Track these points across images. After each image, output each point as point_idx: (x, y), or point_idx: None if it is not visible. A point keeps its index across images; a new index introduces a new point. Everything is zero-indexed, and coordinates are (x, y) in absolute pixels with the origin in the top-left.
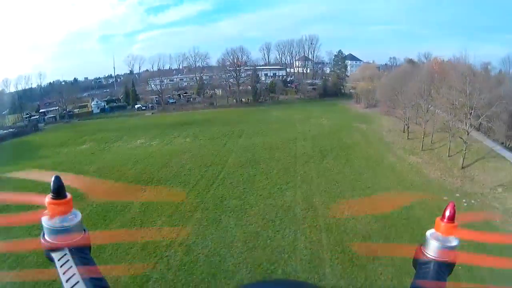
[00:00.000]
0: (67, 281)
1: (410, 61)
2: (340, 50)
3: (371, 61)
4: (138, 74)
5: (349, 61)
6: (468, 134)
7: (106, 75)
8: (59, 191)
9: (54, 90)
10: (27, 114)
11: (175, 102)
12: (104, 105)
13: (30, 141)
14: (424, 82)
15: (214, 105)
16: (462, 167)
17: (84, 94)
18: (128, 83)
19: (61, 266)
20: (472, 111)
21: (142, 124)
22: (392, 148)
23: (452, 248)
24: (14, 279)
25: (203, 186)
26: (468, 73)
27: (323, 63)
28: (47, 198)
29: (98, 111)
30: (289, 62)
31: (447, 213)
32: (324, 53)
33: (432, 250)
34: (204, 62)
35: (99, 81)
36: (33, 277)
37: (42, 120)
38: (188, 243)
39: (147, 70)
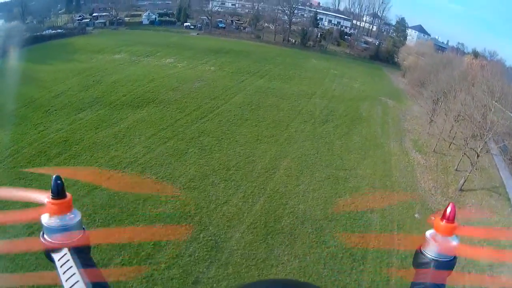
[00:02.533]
0: (66, 280)
1: (475, 53)
2: (403, 17)
3: (439, 39)
4: None
5: (416, 32)
6: (478, 157)
7: None
8: (59, 190)
9: None
10: (79, 16)
11: (224, 27)
12: (155, 18)
13: (72, 43)
14: (453, 77)
15: (260, 39)
16: (460, 190)
17: (144, 3)
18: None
19: (61, 266)
20: (491, 126)
21: (181, 43)
22: (403, 137)
23: (452, 248)
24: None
25: (193, 117)
26: (497, 75)
27: (390, 25)
28: (47, 198)
29: (148, 22)
30: (357, 15)
31: (447, 214)
32: (395, 16)
33: (431, 250)
34: None
35: None
36: (32, 276)
37: (91, 24)
38: (143, 164)
39: None
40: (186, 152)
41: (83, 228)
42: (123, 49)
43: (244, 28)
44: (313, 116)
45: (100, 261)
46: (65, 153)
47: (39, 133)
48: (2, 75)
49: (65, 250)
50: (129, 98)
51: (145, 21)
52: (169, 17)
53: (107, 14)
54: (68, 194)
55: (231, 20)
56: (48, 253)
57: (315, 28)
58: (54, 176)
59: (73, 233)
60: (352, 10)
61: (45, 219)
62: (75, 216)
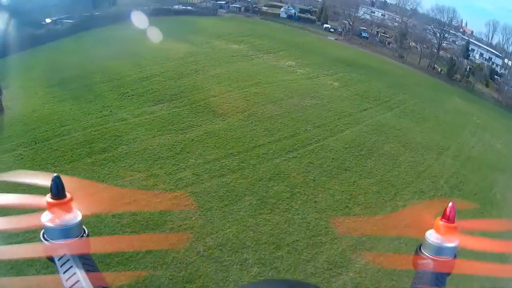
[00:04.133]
0: (67, 280)
1: None
2: None
3: None
4: None
5: None
6: None
7: None
8: (58, 190)
9: None
10: None
11: (367, 37)
12: (294, 13)
13: (196, 23)
14: None
15: (403, 59)
16: None
17: None
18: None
19: (61, 266)
20: None
21: (312, 46)
22: None
23: (452, 248)
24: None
25: (279, 148)
26: None
27: None
28: (47, 198)
29: (285, 16)
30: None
31: (447, 214)
32: None
33: (431, 250)
34: (412, 7)
35: None
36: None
37: (226, 7)
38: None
39: None
40: (239, 200)
41: (84, 229)
42: (245, 40)
43: (388, 43)
44: (436, 185)
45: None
46: (108, 152)
47: (101, 117)
48: (109, 41)
49: (66, 251)
50: (217, 101)
51: (283, 14)
52: (310, 14)
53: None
54: (68, 194)
55: (376, 31)
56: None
57: (465, 60)
58: (53, 176)
59: (73, 233)
60: (505, 47)
61: (45, 219)
62: (75, 217)
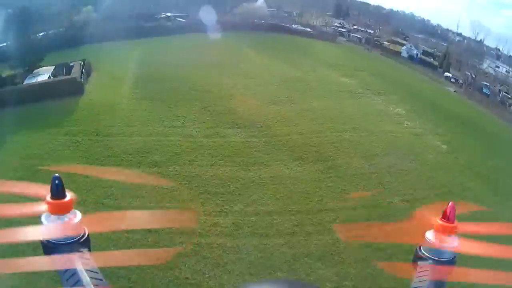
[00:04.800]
0: (67, 280)
1: None
2: None
3: None
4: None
5: None
6: None
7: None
8: (59, 191)
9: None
10: (340, 23)
11: (488, 95)
12: (417, 54)
13: (309, 46)
14: None
15: None
16: None
17: (418, 35)
18: (457, 47)
19: (61, 266)
20: None
21: (429, 95)
22: None
23: (452, 248)
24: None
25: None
26: None
27: None
28: (47, 198)
29: (406, 56)
30: None
31: (447, 214)
32: None
33: (431, 249)
34: None
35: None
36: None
37: (347, 35)
38: None
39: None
40: (270, 274)
41: (84, 229)
42: (358, 75)
43: (510, 105)
44: None
45: None
46: (157, 168)
47: (169, 128)
48: (213, 49)
49: (66, 251)
50: (301, 141)
51: (404, 54)
52: (433, 58)
53: (367, 30)
54: (68, 194)
55: (498, 89)
56: (48, 254)
57: None
58: (53, 176)
59: (73, 233)
60: None
61: (45, 219)
62: (75, 216)
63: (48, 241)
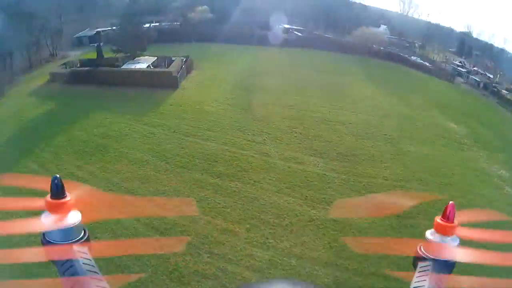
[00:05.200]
0: (67, 280)
1: None
2: None
3: None
4: None
5: None
6: None
7: None
8: (58, 191)
9: None
10: (460, 62)
11: None
12: None
13: (423, 82)
14: None
15: None
16: None
17: None
18: None
19: (61, 266)
20: None
21: None
22: None
23: (452, 248)
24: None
25: None
26: None
27: None
28: (47, 198)
29: None
30: None
31: (447, 213)
32: None
33: (431, 250)
34: None
35: None
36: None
37: (465, 76)
38: None
39: None
40: None
41: (84, 229)
42: (467, 122)
43: None
44: None
45: None
46: (218, 179)
47: (248, 141)
48: (323, 69)
49: (67, 254)
50: (379, 186)
51: None
52: None
53: (486, 74)
54: (68, 194)
55: None
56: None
57: None
58: (53, 176)
59: (73, 233)
60: None
61: (45, 219)
62: (75, 216)
63: (48, 241)
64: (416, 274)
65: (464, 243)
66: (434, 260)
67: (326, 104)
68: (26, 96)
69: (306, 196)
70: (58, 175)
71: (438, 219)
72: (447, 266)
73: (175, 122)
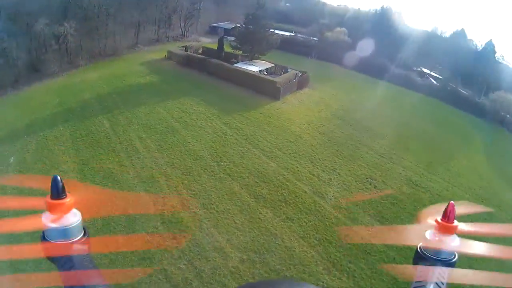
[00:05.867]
0: (67, 280)
1: None
2: None
3: None
4: None
5: None
6: None
7: None
8: (58, 191)
9: None
10: None
11: None
12: None
13: None
14: None
15: None
16: None
17: None
18: None
19: (61, 266)
20: None
21: None
22: None
23: (452, 247)
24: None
25: None
26: None
27: None
28: (47, 198)
29: None
30: None
31: (447, 213)
32: None
33: (432, 250)
34: None
35: None
36: (32, 277)
37: None
38: None
39: None
40: None
41: (84, 228)
42: None
43: None
44: None
45: None
46: (273, 209)
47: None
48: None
49: (66, 251)
50: None
51: None
52: None
53: None
54: (68, 194)
55: None
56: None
57: None
58: (53, 176)
59: (73, 233)
60: None
61: (45, 219)
62: (75, 216)
63: (48, 241)
64: (416, 273)
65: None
66: (434, 260)
67: (420, 165)
68: (138, 64)
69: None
70: (58, 175)
71: (438, 219)
72: (447, 266)
73: (253, 130)
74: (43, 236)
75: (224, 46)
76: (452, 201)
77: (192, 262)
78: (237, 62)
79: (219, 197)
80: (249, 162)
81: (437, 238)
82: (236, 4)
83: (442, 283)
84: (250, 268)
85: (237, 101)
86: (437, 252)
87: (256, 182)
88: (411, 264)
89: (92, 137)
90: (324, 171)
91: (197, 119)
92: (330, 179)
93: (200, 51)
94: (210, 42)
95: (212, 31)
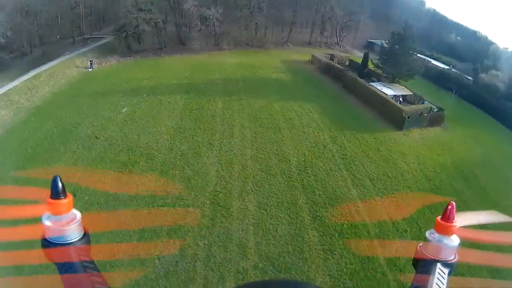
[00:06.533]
0: (68, 280)
1: None
2: None
3: None
4: None
5: None
6: None
7: None
8: (58, 190)
9: None
10: None
11: None
12: None
13: None
14: None
15: None
16: None
17: None
18: None
19: (61, 266)
20: None
21: None
22: None
23: (452, 247)
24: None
25: None
26: None
27: None
28: (47, 198)
29: None
30: None
31: (447, 213)
32: None
33: (432, 250)
34: None
35: None
36: (33, 280)
37: None
38: None
39: None
40: None
41: (84, 229)
42: None
43: None
44: None
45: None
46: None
47: None
48: None
49: (67, 255)
50: None
51: None
52: None
53: None
54: (69, 194)
55: None
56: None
57: None
58: (53, 176)
59: (73, 233)
60: None
61: (46, 219)
62: (75, 216)
63: (48, 241)
64: (416, 273)
65: (464, 244)
66: (434, 260)
67: None
68: (279, 61)
69: None
70: (58, 175)
71: (438, 219)
72: (447, 266)
73: (355, 152)
74: (43, 237)
75: (367, 63)
76: (452, 201)
77: (211, 245)
78: (375, 82)
79: (278, 202)
80: (331, 181)
81: (437, 238)
82: (398, 23)
83: (442, 283)
84: (257, 277)
85: (356, 119)
86: (437, 251)
87: (324, 203)
88: (411, 263)
89: (199, 112)
90: (405, 221)
91: (306, 125)
92: (406, 233)
93: (346, 62)
94: (361, 57)
95: (369, 46)
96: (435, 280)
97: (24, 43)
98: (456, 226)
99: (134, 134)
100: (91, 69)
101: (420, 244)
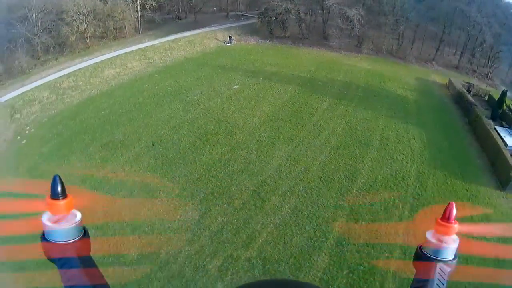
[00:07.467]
0: (68, 281)
1: None
2: None
3: None
4: None
5: None
6: None
7: None
8: (58, 190)
9: None
10: None
11: None
12: None
13: None
14: None
15: None
16: None
17: None
18: None
19: (61, 267)
20: None
21: None
22: None
23: (452, 248)
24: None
25: None
26: None
27: None
28: (47, 198)
29: None
30: None
31: (447, 213)
32: None
33: (432, 249)
34: None
35: None
36: (32, 277)
37: None
38: None
39: None
40: None
41: (84, 229)
42: None
43: None
44: None
45: None
46: None
47: None
48: None
49: (66, 252)
50: None
51: None
52: None
53: None
54: (68, 194)
55: None
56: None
57: None
58: (53, 176)
59: (73, 233)
60: None
61: (46, 219)
62: (75, 217)
63: (48, 241)
64: (416, 273)
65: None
66: (434, 260)
67: None
68: (413, 78)
69: None
70: (58, 175)
71: (438, 219)
72: (447, 266)
73: (432, 197)
74: (43, 236)
75: (503, 103)
76: (452, 202)
77: (227, 223)
78: (504, 127)
79: (314, 215)
80: (384, 218)
81: (437, 238)
82: None
83: (442, 283)
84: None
85: (459, 162)
86: (437, 252)
87: (357, 240)
88: (411, 264)
89: (300, 107)
90: None
91: (399, 151)
92: None
93: (485, 97)
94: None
95: None
96: (435, 281)
97: (180, 8)
98: (456, 226)
99: (229, 110)
100: (229, 44)
101: (420, 244)
